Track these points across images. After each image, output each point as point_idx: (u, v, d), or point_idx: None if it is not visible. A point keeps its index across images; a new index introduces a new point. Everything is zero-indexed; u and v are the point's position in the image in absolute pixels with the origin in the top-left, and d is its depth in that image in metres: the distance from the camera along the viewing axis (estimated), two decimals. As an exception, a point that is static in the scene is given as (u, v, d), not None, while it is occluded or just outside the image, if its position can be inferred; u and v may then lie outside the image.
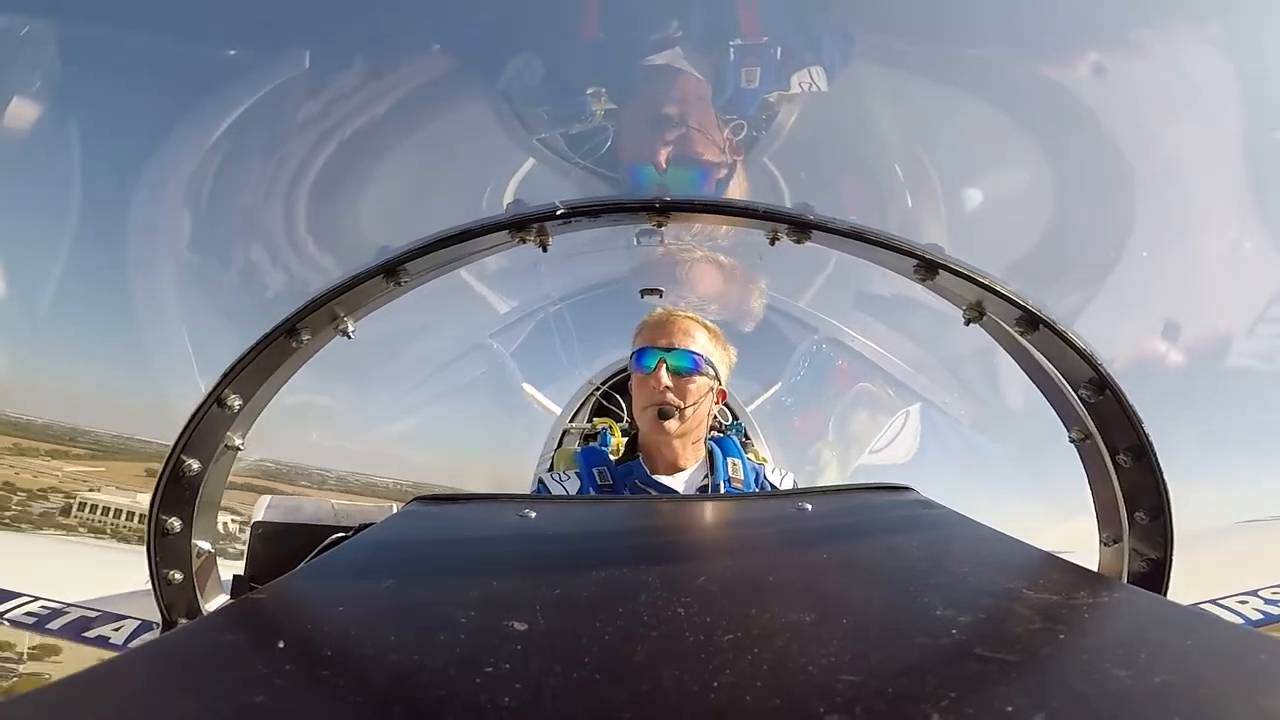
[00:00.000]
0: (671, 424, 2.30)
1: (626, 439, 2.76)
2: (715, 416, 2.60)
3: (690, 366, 2.33)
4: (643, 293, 4.49)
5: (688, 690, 0.57)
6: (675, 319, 2.45)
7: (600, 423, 4.31)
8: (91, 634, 2.12)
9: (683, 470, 2.42)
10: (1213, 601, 2.62)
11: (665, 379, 2.31)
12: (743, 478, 2.40)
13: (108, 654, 2.05)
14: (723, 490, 2.34)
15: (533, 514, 1.26)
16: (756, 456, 3.43)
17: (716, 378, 2.41)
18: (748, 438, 4.76)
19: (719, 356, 2.46)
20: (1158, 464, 1.60)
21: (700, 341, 2.40)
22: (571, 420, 5.37)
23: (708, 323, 2.48)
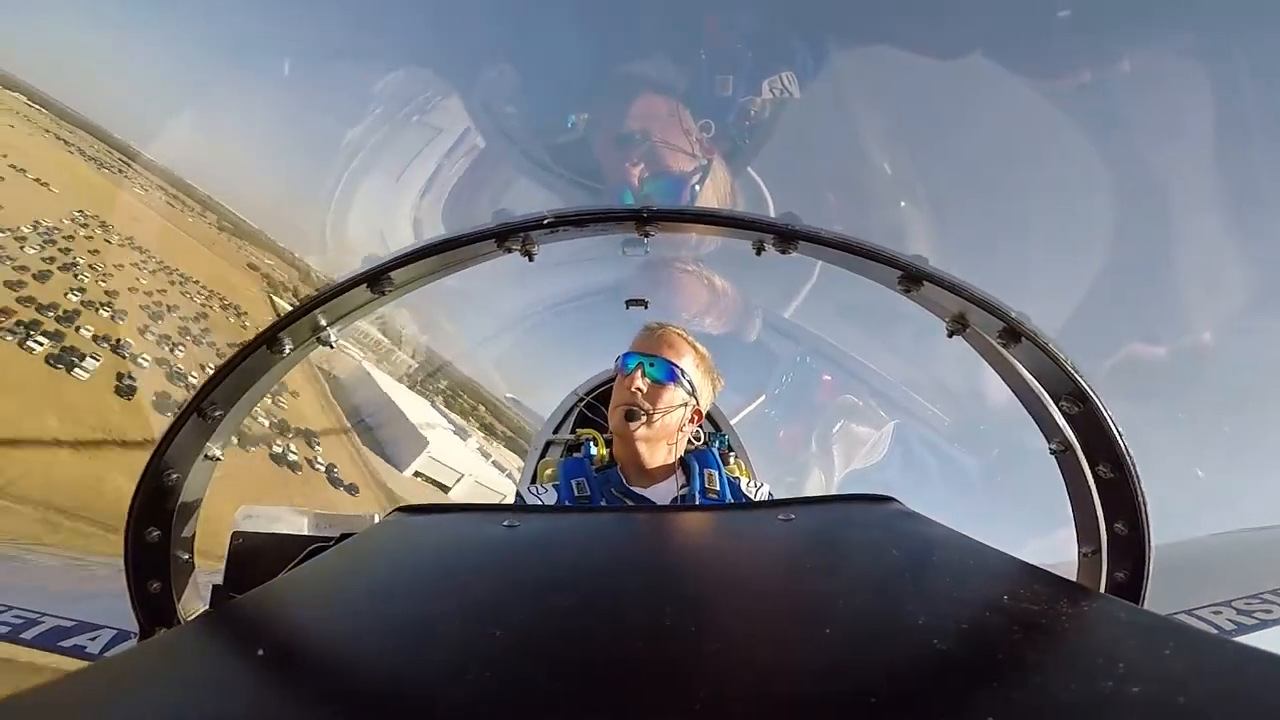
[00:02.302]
0: (636, 425, 2.37)
1: (610, 449, 2.77)
2: (695, 436, 2.63)
3: (666, 377, 2.42)
4: (628, 303, 4.49)
5: (671, 703, 0.57)
6: (667, 333, 2.55)
7: (584, 433, 4.29)
8: (68, 643, 2.09)
9: (656, 479, 2.48)
10: (1187, 612, 2.64)
11: (640, 382, 2.40)
12: (718, 488, 2.44)
13: (84, 663, 2.02)
14: (697, 501, 2.36)
15: (514, 525, 1.25)
16: (740, 469, 3.44)
17: (693, 395, 2.45)
18: (730, 450, 4.75)
19: (701, 379, 2.54)
20: (1136, 476, 1.61)
21: (685, 359, 2.48)
22: (555, 431, 5.34)
23: (699, 346, 2.58)
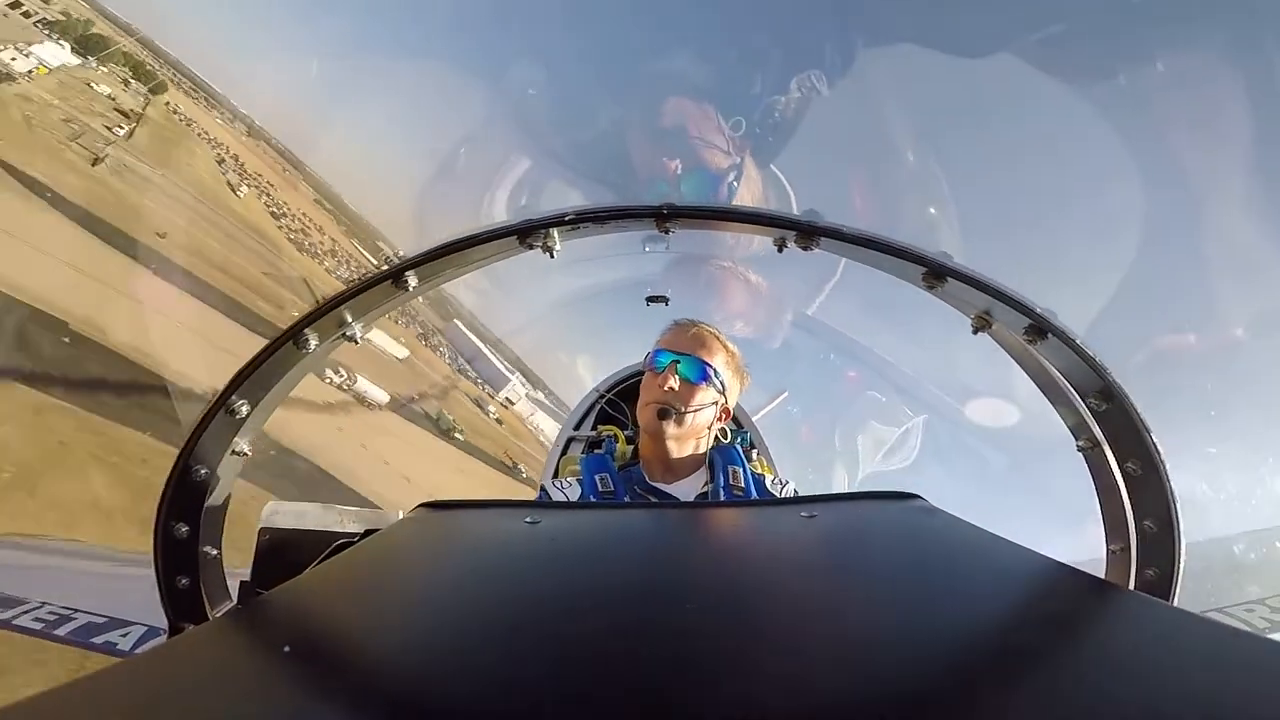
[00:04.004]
0: (667, 424, 2.36)
1: (631, 446, 2.76)
2: (721, 433, 2.60)
3: (698, 376, 2.40)
4: (649, 300, 4.48)
5: (692, 700, 0.57)
6: (700, 330, 2.54)
7: (605, 430, 4.28)
8: (99, 640, 2.12)
9: (681, 476, 2.46)
10: (1219, 610, 2.61)
11: (672, 380, 2.38)
12: (743, 485, 2.41)
13: (115, 660, 2.05)
14: (721, 498, 2.34)
15: (539, 520, 1.25)
16: (762, 466, 3.41)
17: (723, 394, 2.45)
18: (753, 446, 4.72)
19: (730, 378, 2.52)
20: (1166, 473, 1.59)
21: (717, 358, 2.46)
22: (577, 428, 5.33)
23: (730, 345, 2.56)
